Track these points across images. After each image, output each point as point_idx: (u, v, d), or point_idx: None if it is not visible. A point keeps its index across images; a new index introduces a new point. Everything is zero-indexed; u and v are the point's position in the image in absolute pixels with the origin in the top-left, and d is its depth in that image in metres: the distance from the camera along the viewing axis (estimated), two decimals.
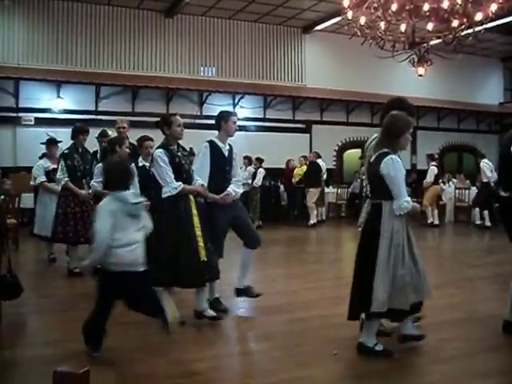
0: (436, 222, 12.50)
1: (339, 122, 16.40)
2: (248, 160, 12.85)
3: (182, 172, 4.66)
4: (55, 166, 7.49)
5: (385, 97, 17.67)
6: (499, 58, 18.86)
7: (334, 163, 16.36)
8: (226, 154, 5.09)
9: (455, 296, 5.73)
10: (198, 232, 4.55)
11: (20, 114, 12.76)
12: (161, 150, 4.65)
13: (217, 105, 14.58)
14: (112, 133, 6.98)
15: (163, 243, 4.46)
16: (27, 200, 9.45)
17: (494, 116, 18.43)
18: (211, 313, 4.68)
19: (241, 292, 5.14)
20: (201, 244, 4.52)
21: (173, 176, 4.57)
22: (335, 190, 14.44)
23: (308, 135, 15.85)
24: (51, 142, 7.88)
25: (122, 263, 3.61)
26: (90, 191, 6.51)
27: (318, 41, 16.02)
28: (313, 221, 12.50)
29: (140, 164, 5.87)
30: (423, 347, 4.02)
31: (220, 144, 5.05)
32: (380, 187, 3.75)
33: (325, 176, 13.57)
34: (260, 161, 12.78)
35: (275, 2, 13.81)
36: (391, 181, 3.68)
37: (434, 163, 12.59)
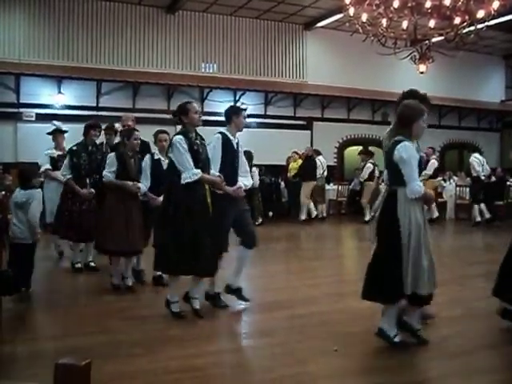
0: (435, 215, 12.48)
1: (340, 119, 16.39)
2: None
3: (199, 160, 4.62)
4: (60, 153, 7.61)
5: (386, 94, 17.86)
6: (501, 56, 18.82)
7: (335, 160, 16.35)
8: (235, 146, 5.07)
9: (456, 293, 5.73)
10: (213, 223, 4.60)
11: (21, 110, 12.75)
12: (180, 136, 4.61)
13: (218, 101, 14.59)
14: (119, 126, 6.93)
15: (181, 231, 4.46)
16: None
17: (496, 114, 18.40)
18: (196, 306, 4.73)
19: (231, 291, 5.12)
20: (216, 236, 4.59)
21: (192, 163, 4.53)
22: (336, 187, 14.43)
23: (309, 132, 15.84)
24: (57, 132, 7.81)
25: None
26: (92, 190, 6.53)
27: (319, 38, 16.00)
28: (304, 216, 12.40)
29: (156, 157, 5.86)
30: (423, 344, 4.03)
31: (230, 136, 5.03)
32: (395, 174, 3.82)
33: (325, 173, 13.57)
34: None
35: None
36: (403, 165, 3.74)
37: (434, 156, 12.57)
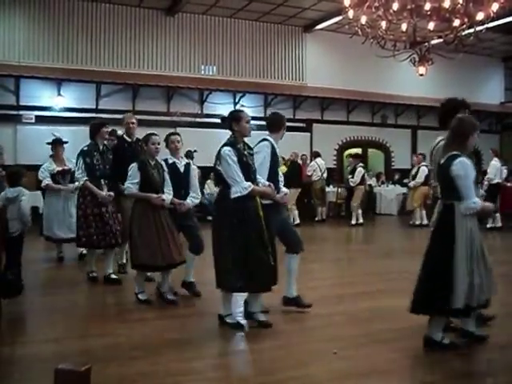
0: (425, 222, 12.54)
1: (340, 121, 16.40)
2: None
3: (250, 172, 4.44)
4: (60, 169, 7.43)
5: (385, 96, 17.83)
6: (500, 58, 18.85)
7: (335, 162, 16.36)
8: (278, 153, 5.01)
9: None
10: (266, 235, 4.41)
11: (21, 112, 12.78)
12: (229, 147, 4.40)
13: (217, 103, 14.61)
14: (122, 132, 6.83)
15: (232, 246, 4.31)
16: (32, 198, 9.39)
17: (495, 116, 18.41)
18: (261, 318, 4.56)
19: (291, 301, 4.98)
20: (269, 249, 4.39)
21: (242, 175, 4.35)
22: (335, 189, 14.43)
23: (308, 134, 15.85)
24: (57, 143, 7.62)
25: None
26: (112, 193, 6.21)
27: (318, 40, 16.02)
28: (297, 221, 12.22)
29: (170, 161, 5.55)
30: (424, 346, 4.03)
31: (274, 144, 4.94)
32: (451, 188, 3.86)
33: (325, 175, 13.58)
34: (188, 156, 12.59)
35: (276, 0, 13.80)
36: (460, 181, 3.79)
37: (424, 163, 12.62)
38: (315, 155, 13.86)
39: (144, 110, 13.42)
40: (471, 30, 8.74)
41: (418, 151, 16.77)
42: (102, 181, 6.24)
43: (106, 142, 6.55)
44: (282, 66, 15.80)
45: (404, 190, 14.62)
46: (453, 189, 3.84)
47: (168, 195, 5.36)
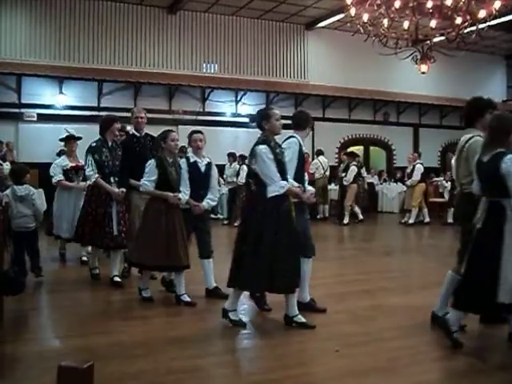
0: (427, 219, 12.56)
1: (341, 119, 16.39)
2: (232, 157, 12.62)
3: (283, 171, 4.36)
4: (73, 164, 7.16)
5: (387, 94, 17.80)
6: (503, 56, 18.82)
7: (336, 160, 16.35)
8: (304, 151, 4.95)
9: None
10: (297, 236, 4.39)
11: (22, 110, 12.80)
12: (264, 146, 4.32)
13: (219, 101, 14.62)
14: (131, 128, 6.76)
15: (264, 246, 4.22)
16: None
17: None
18: (302, 319, 4.45)
19: (307, 306, 4.89)
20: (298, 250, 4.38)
21: (278, 174, 4.27)
22: (337, 187, 14.42)
23: (310, 132, 15.82)
24: (70, 139, 7.31)
25: None
26: (124, 189, 5.97)
27: (320, 38, 16.00)
28: None
29: (191, 160, 5.39)
30: (425, 345, 4.03)
31: (301, 141, 4.85)
32: (499, 186, 3.84)
33: (327, 173, 13.57)
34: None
35: None
36: (510, 178, 3.78)
37: (419, 161, 12.66)
38: (318, 153, 13.84)
39: (146, 107, 13.15)
40: (473, 28, 8.71)
41: (420, 149, 16.79)
42: (111, 178, 6.01)
43: (116, 138, 6.33)
44: (283, 64, 15.78)
45: (405, 188, 14.63)
46: (500, 186, 3.82)
47: (184, 195, 5.22)
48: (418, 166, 12.56)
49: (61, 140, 7.47)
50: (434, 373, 3.59)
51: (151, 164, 5.19)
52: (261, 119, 4.48)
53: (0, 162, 9.28)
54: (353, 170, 12.71)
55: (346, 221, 12.56)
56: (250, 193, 4.50)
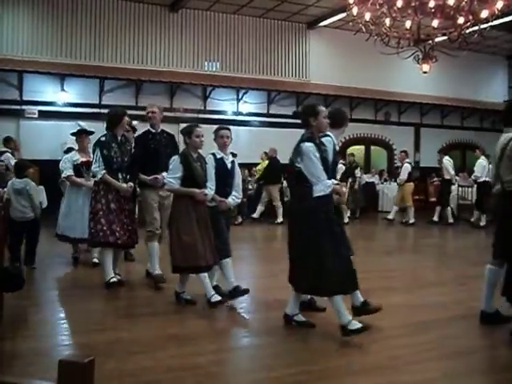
0: (411, 220, 12.52)
1: None
2: (232, 155, 12.54)
3: (327, 169, 4.20)
4: (84, 159, 6.84)
5: (389, 94, 17.81)
6: (504, 56, 18.79)
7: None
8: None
9: (458, 293, 5.74)
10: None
11: (24, 107, 12.79)
12: (311, 143, 4.19)
13: (220, 100, 14.61)
14: (137, 123, 6.67)
15: (318, 247, 4.07)
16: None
17: (499, 114, 18.30)
18: (301, 318, 4.41)
19: (307, 305, 4.81)
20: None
21: (324, 173, 4.13)
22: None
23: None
24: (82, 133, 6.97)
25: None
26: (132, 184, 5.73)
27: (322, 37, 15.99)
28: (280, 219, 12.08)
29: (218, 156, 5.26)
30: (425, 344, 4.03)
31: (335, 140, 4.71)
32: None
33: None
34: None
35: None
36: None
37: (407, 160, 12.68)
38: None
39: (147, 105, 13.40)
40: (475, 28, 8.71)
41: (421, 149, 16.81)
42: (119, 174, 5.68)
43: (126, 133, 6.05)
44: (285, 63, 15.78)
45: None
46: None
47: (210, 190, 5.08)
48: (405, 165, 12.59)
49: (72, 134, 7.09)
50: (435, 372, 3.58)
51: (175, 160, 5.04)
52: (308, 115, 4.31)
53: (11, 157, 9.31)
54: (340, 167, 12.67)
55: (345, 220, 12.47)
56: (296, 192, 4.37)
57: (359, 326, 4.02)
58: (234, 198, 5.34)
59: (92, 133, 7.01)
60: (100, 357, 3.37)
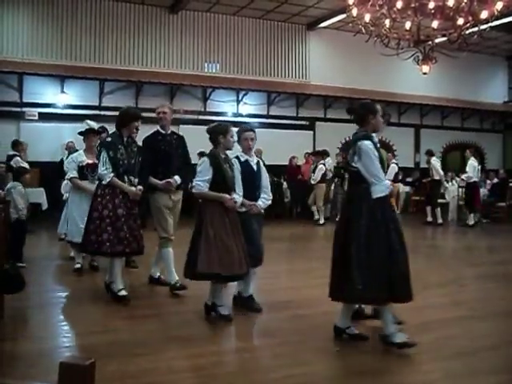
0: (321, 221, 12.58)
1: (343, 120, 16.29)
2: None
3: (384, 169, 4.02)
4: (90, 162, 6.48)
5: (389, 95, 17.83)
6: (504, 57, 18.79)
7: (336, 161, 16.34)
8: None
9: (458, 294, 5.73)
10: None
11: (24, 109, 12.79)
12: (369, 141, 3.96)
13: (220, 101, 14.62)
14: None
15: (378, 252, 3.89)
16: (34, 195, 9.41)
17: (498, 115, 18.36)
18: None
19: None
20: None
21: (382, 172, 3.92)
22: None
23: (311, 132, 15.83)
24: (90, 132, 6.61)
25: None
26: (141, 187, 5.36)
27: (322, 38, 16.00)
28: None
29: (242, 159, 5.02)
30: (425, 345, 4.02)
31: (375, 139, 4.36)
32: None
33: (331, 174, 13.56)
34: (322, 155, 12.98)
35: None
36: None
37: (394, 161, 12.68)
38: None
39: (147, 107, 13.33)
40: (475, 29, 8.71)
41: (421, 149, 16.80)
42: (125, 177, 5.30)
43: (133, 135, 5.57)
44: (285, 64, 15.78)
45: (407, 188, 14.66)
46: None
47: (238, 197, 4.78)
48: (392, 165, 12.53)
49: (80, 134, 6.75)
50: (435, 373, 3.58)
51: (204, 162, 4.70)
52: (368, 112, 4.08)
53: (20, 160, 9.30)
54: (321, 168, 12.68)
55: (321, 221, 12.50)
56: (355, 193, 4.12)
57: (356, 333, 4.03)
58: (264, 200, 5.09)
59: (101, 132, 6.81)
60: (101, 359, 3.36)
